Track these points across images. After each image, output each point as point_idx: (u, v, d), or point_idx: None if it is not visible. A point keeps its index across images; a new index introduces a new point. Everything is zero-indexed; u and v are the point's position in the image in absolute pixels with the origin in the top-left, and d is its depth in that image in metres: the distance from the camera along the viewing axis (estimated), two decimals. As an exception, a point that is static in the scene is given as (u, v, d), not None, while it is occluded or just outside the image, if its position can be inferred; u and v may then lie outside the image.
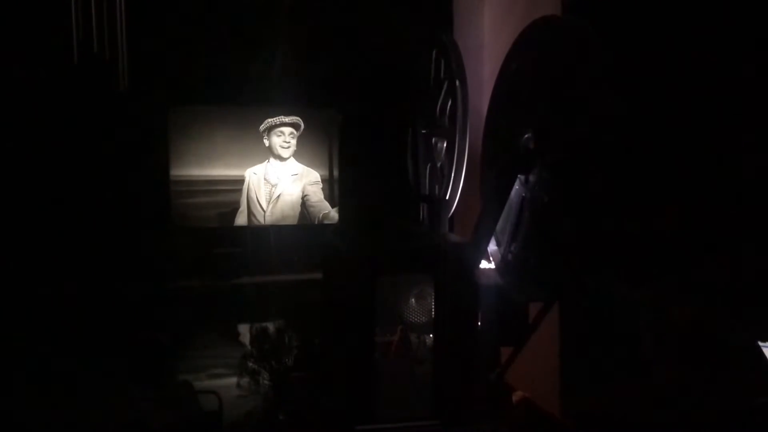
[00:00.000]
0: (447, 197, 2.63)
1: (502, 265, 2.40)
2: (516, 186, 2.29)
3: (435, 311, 2.22)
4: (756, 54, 2.12)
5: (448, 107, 2.70)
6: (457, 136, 2.60)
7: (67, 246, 4.30)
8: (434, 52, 2.86)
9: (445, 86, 2.73)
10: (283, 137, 5.17)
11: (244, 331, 4.59)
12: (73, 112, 4.37)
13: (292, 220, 5.22)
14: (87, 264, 4.34)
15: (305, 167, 5.25)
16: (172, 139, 5.02)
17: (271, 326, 4.17)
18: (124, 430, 3.03)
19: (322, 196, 5.26)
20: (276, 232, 5.23)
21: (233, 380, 3.99)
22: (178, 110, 5.04)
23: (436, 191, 2.83)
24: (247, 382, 3.91)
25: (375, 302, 2.18)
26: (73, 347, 3.82)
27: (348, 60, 4.97)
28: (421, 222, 2.83)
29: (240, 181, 5.13)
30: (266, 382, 3.85)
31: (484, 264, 2.41)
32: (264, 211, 5.17)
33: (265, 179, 5.18)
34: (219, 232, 5.15)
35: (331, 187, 5.28)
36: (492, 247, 2.43)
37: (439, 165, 2.83)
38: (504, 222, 2.34)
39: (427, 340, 2.25)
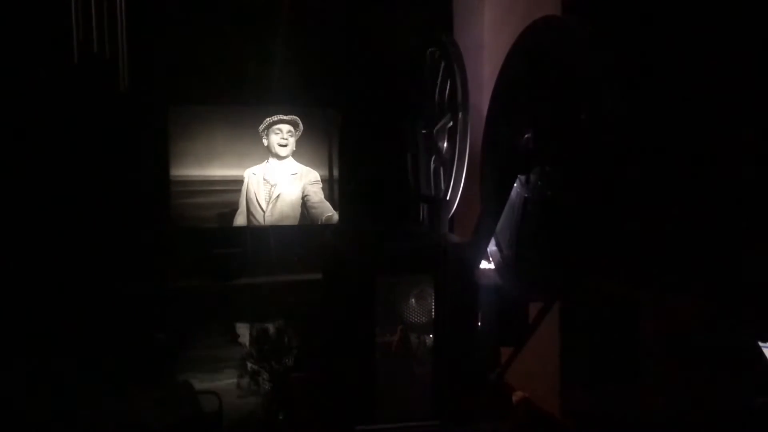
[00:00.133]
0: (447, 197, 2.64)
1: (502, 265, 2.39)
2: (516, 186, 2.29)
3: (435, 311, 2.22)
4: (756, 53, 2.12)
5: (448, 107, 2.71)
6: (457, 136, 2.61)
7: (67, 246, 4.30)
8: (434, 52, 2.87)
9: (445, 86, 2.73)
10: (281, 135, 5.16)
11: (244, 331, 4.59)
12: (73, 112, 4.37)
13: (292, 221, 5.21)
14: (87, 264, 4.34)
15: (304, 167, 5.24)
16: (171, 139, 5.02)
17: (271, 326, 4.16)
18: (124, 431, 3.03)
19: (323, 197, 5.24)
20: (275, 232, 5.23)
21: (233, 380, 3.99)
22: (177, 110, 5.04)
23: (436, 191, 2.83)
24: (247, 382, 3.91)
25: (375, 302, 2.18)
26: (73, 347, 3.81)
27: (348, 60, 4.98)
28: (421, 222, 2.82)
29: (239, 182, 5.13)
30: (266, 382, 3.84)
31: (484, 264, 2.41)
32: (263, 212, 5.16)
33: (264, 179, 5.16)
34: (218, 232, 5.15)
35: (330, 187, 5.27)
36: (492, 247, 2.42)
37: (439, 165, 2.84)
38: (504, 222, 2.34)
39: (427, 340, 2.25)
